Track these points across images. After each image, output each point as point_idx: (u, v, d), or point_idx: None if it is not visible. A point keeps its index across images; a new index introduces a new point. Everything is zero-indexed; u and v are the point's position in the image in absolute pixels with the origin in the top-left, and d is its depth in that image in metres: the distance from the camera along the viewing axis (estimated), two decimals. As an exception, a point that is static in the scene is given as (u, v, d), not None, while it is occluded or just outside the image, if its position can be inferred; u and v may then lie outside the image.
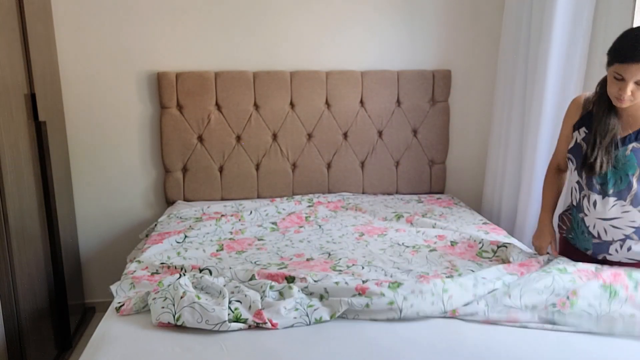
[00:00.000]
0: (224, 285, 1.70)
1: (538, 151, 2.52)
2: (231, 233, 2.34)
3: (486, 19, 2.93)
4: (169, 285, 1.67)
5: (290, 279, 1.76)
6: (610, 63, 1.57)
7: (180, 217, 2.54)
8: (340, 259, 2.01)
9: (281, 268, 1.94)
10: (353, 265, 1.96)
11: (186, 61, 2.78)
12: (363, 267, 1.93)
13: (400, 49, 2.91)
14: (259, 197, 2.90)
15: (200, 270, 1.86)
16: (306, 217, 2.56)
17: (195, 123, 2.78)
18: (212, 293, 1.68)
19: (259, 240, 2.28)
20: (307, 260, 2.02)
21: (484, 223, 2.50)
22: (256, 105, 2.82)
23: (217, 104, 2.79)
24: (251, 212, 2.54)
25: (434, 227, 2.36)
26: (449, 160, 3.08)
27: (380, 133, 2.93)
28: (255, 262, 2.01)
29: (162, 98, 2.74)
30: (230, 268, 1.87)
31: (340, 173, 2.94)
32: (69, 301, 2.59)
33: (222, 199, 2.87)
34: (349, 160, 2.93)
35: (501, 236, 2.32)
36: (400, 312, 1.57)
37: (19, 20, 2.15)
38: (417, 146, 2.96)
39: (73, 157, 2.82)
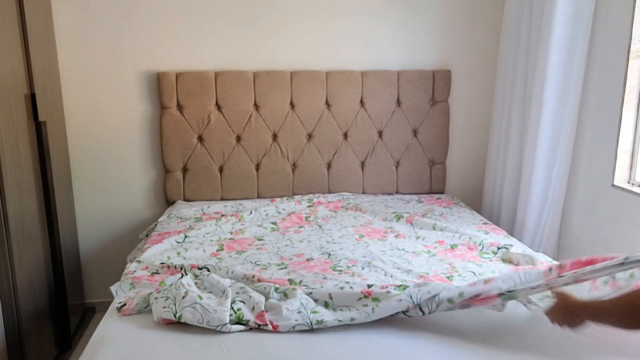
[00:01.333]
0: (230, 286, 1.70)
1: (538, 151, 2.52)
2: (231, 233, 2.34)
3: (486, 19, 2.93)
4: (171, 285, 1.66)
5: (294, 282, 1.77)
6: None
7: (180, 217, 2.54)
8: (340, 260, 2.01)
9: (281, 268, 1.94)
10: (353, 265, 1.96)
11: (186, 61, 2.78)
12: (363, 268, 1.93)
13: (400, 49, 2.91)
14: (259, 197, 2.90)
15: (200, 269, 1.86)
16: (306, 217, 2.56)
17: (195, 123, 2.78)
18: (215, 292, 1.68)
19: (259, 240, 2.28)
20: (307, 260, 2.02)
21: (484, 223, 2.50)
22: (256, 105, 2.82)
23: (217, 104, 2.79)
24: (251, 212, 2.54)
25: (434, 227, 2.36)
26: (449, 160, 3.08)
27: (380, 133, 2.93)
28: (255, 262, 2.01)
29: (162, 98, 2.74)
30: (228, 272, 1.86)
31: (340, 173, 2.94)
32: (69, 301, 2.58)
33: (222, 199, 2.87)
34: (349, 160, 2.93)
35: (501, 236, 2.32)
36: (410, 297, 1.51)
37: (19, 20, 2.15)
38: (417, 146, 2.96)
39: (73, 157, 2.82)
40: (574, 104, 2.42)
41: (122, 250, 2.90)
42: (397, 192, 3.01)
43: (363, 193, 2.97)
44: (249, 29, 2.79)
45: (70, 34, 2.69)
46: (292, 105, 2.85)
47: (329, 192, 2.94)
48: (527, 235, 2.63)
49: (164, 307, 1.56)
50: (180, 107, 2.77)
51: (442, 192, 3.05)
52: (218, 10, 2.75)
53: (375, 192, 2.99)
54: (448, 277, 1.85)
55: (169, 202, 2.88)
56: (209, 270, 1.85)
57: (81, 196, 2.87)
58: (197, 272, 1.83)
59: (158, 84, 2.74)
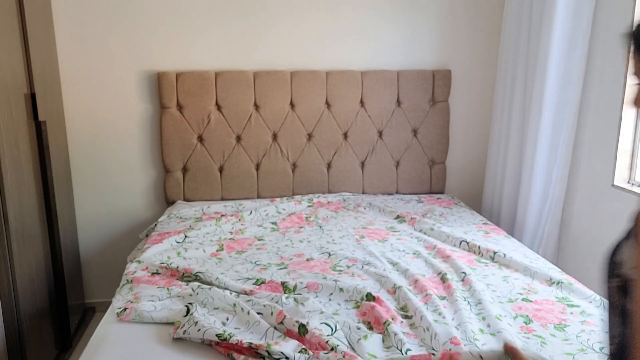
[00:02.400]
0: (236, 299, 1.66)
1: (538, 151, 2.52)
2: (231, 233, 2.34)
3: (486, 19, 2.93)
4: (187, 321, 1.53)
5: (289, 290, 1.76)
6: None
7: (180, 217, 2.54)
8: (340, 260, 2.03)
9: (281, 268, 1.94)
10: (353, 265, 1.97)
11: (186, 61, 2.79)
12: (362, 267, 1.94)
13: (400, 49, 2.91)
14: (259, 197, 2.90)
15: (196, 277, 1.84)
16: (306, 218, 2.56)
17: (195, 123, 2.78)
18: (223, 307, 1.63)
19: (259, 240, 2.28)
20: (307, 260, 2.03)
21: (484, 223, 2.50)
22: (256, 105, 2.82)
23: (217, 104, 2.79)
24: (251, 212, 2.54)
25: (432, 229, 2.35)
26: (449, 160, 3.08)
27: (380, 133, 2.93)
28: (255, 262, 2.01)
29: (162, 98, 2.74)
30: (221, 283, 1.81)
31: (340, 173, 2.94)
32: (69, 301, 2.59)
33: (222, 199, 2.87)
34: (349, 160, 2.93)
35: (501, 236, 2.32)
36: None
37: (19, 20, 2.15)
38: (417, 146, 2.96)
39: (73, 157, 2.82)
40: (574, 104, 2.42)
41: (122, 250, 2.90)
42: (397, 192, 3.01)
43: (363, 193, 2.98)
44: (249, 28, 2.79)
45: (70, 34, 2.69)
46: (292, 105, 2.85)
47: (329, 192, 2.94)
48: (527, 235, 2.63)
49: (199, 330, 1.47)
50: (180, 107, 2.77)
51: (442, 192, 3.05)
52: (218, 10, 2.75)
53: (375, 192, 2.99)
54: (442, 279, 1.85)
55: (169, 202, 2.88)
56: (200, 280, 1.83)
57: (81, 196, 2.88)
58: (194, 285, 1.75)
59: (158, 84, 2.74)
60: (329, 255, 2.08)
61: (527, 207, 2.61)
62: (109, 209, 2.91)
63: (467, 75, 2.99)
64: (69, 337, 2.58)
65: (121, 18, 2.70)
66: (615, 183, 2.29)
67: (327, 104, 2.87)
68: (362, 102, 2.89)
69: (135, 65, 2.76)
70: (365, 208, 2.71)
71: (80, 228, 2.92)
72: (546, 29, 2.40)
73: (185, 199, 2.86)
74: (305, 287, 1.76)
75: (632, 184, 2.27)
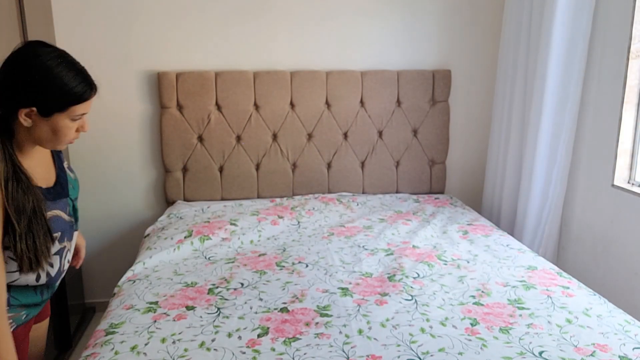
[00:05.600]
0: None
1: (538, 151, 2.52)
2: (208, 219, 2.46)
3: (486, 19, 2.93)
4: None
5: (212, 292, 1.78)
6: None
7: (180, 217, 2.54)
8: (290, 256, 2.07)
9: (229, 262, 2.01)
10: (299, 262, 2.01)
11: (186, 61, 2.78)
12: (307, 266, 1.98)
13: (400, 49, 2.91)
14: (259, 197, 2.90)
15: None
16: (292, 208, 2.63)
17: (195, 123, 2.78)
18: None
19: (231, 224, 2.36)
20: (259, 255, 2.09)
21: (468, 224, 2.49)
22: (256, 105, 2.82)
23: (217, 104, 2.79)
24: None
25: (410, 230, 2.39)
26: (449, 160, 3.08)
27: (380, 133, 2.93)
28: (209, 258, 2.08)
29: (162, 98, 2.74)
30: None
31: (340, 173, 2.94)
32: (69, 301, 2.58)
33: (222, 199, 2.87)
34: (349, 160, 2.93)
35: (481, 235, 2.34)
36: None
37: (19, 20, 2.15)
38: (417, 146, 2.96)
39: (73, 157, 2.82)
40: (574, 104, 2.42)
41: (122, 250, 2.90)
42: (397, 192, 3.00)
43: (363, 193, 2.97)
44: (249, 29, 2.79)
45: (70, 34, 2.69)
46: (292, 105, 2.85)
47: (329, 192, 2.94)
48: (527, 235, 2.63)
49: None
50: (180, 107, 2.77)
51: (442, 192, 3.05)
52: (218, 11, 2.75)
53: (375, 192, 2.99)
54: (389, 278, 1.87)
55: (169, 202, 2.87)
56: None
57: (81, 196, 2.86)
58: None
59: (158, 84, 2.74)
60: (284, 250, 2.15)
61: (527, 207, 2.61)
62: (108, 209, 2.90)
63: (467, 75, 2.99)
64: (69, 337, 2.57)
65: (121, 18, 2.70)
66: (615, 183, 2.29)
67: (327, 104, 2.87)
68: (362, 102, 2.89)
69: (135, 65, 2.76)
70: (358, 205, 2.73)
71: (80, 228, 2.91)
72: (546, 29, 2.40)
73: (185, 199, 2.86)
74: (230, 293, 1.77)
75: (632, 184, 2.27)
